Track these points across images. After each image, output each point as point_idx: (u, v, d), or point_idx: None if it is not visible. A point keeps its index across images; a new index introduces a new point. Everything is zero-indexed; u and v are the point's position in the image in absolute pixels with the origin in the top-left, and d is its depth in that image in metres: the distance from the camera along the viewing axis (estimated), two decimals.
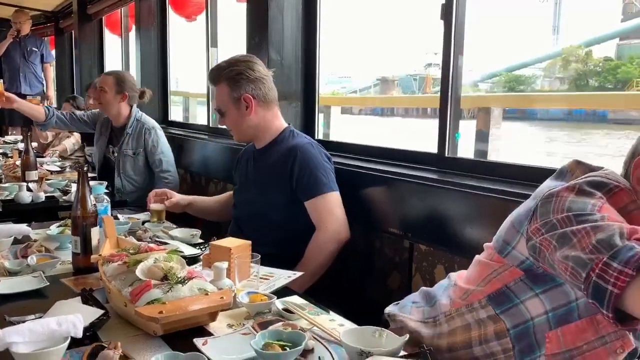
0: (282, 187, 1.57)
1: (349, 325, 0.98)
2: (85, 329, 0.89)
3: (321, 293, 1.34)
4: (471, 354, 0.95)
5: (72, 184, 2.24)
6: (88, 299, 1.07)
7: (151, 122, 2.54)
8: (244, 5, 2.33)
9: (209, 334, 0.95)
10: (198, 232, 1.59)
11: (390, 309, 1.13)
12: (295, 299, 1.10)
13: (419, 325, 1.04)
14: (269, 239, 1.50)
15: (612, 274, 0.63)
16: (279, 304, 1.05)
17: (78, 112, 2.89)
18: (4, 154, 3.38)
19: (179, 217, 1.89)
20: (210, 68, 2.73)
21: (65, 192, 2.21)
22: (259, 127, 1.65)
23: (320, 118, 2.27)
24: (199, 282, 1.00)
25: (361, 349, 0.83)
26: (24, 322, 0.89)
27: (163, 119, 3.51)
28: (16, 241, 1.46)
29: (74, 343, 0.86)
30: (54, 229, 1.56)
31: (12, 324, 0.93)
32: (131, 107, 2.53)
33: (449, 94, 1.63)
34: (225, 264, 1.09)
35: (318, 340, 0.92)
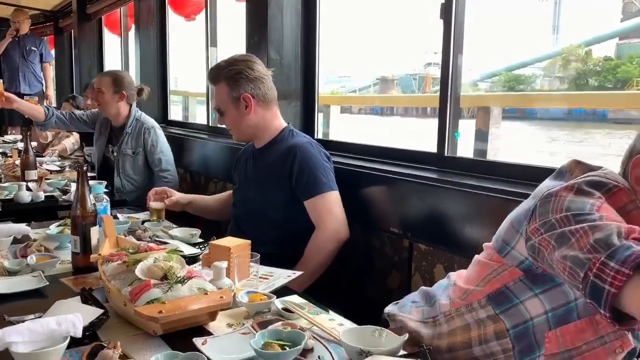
0: (281, 186, 1.57)
1: (348, 324, 0.98)
2: (85, 329, 0.89)
3: (320, 292, 1.34)
4: (471, 354, 0.96)
5: (72, 184, 2.24)
6: (87, 298, 1.07)
7: (150, 121, 2.54)
8: (243, 5, 2.33)
9: (209, 334, 0.95)
10: (198, 231, 1.59)
11: (389, 308, 1.13)
12: (295, 299, 1.10)
13: (418, 326, 1.04)
14: (268, 238, 1.50)
15: (609, 273, 0.63)
16: (278, 303, 1.05)
17: (77, 112, 2.89)
18: (4, 154, 3.38)
19: (179, 217, 1.89)
20: (209, 67, 2.73)
21: (65, 192, 2.21)
22: (259, 127, 1.65)
23: (319, 117, 2.27)
24: (198, 281, 1.01)
25: (361, 348, 0.83)
26: (23, 321, 0.89)
27: (163, 118, 3.51)
28: (16, 241, 1.46)
29: (74, 343, 0.86)
30: (53, 228, 1.56)
31: (11, 323, 0.93)
32: (130, 106, 2.53)
33: (449, 93, 1.63)
34: (224, 264, 1.09)
35: (317, 340, 0.92)
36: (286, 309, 1.03)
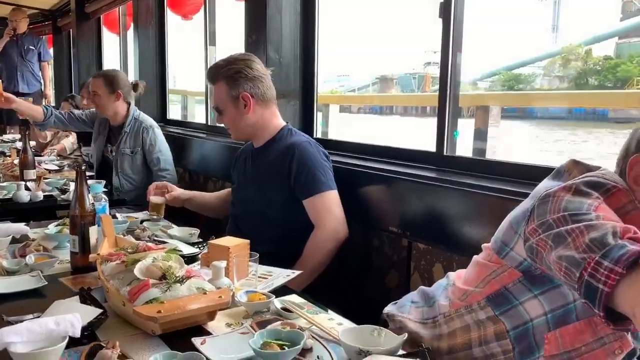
0: (280, 185, 1.57)
1: (347, 324, 0.98)
2: (84, 329, 0.89)
3: (319, 292, 1.34)
4: (471, 355, 0.95)
5: (71, 183, 2.24)
6: (86, 298, 1.07)
7: (149, 120, 2.54)
8: (242, 4, 2.33)
9: (208, 333, 0.95)
10: (197, 231, 1.59)
11: (389, 308, 1.13)
12: (294, 298, 1.10)
13: (418, 326, 1.04)
14: (267, 237, 1.50)
15: (603, 272, 0.62)
16: (277, 303, 1.05)
17: (76, 112, 2.88)
18: (2, 153, 3.37)
19: (178, 216, 1.89)
20: (208, 66, 2.73)
21: (64, 191, 2.21)
22: (257, 126, 1.65)
23: (318, 116, 2.27)
24: (197, 281, 1.00)
25: (360, 347, 0.83)
26: (22, 321, 0.89)
27: (161, 117, 3.51)
28: (14, 240, 1.46)
29: (72, 342, 0.86)
30: (52, 228, 1.56)
31: (10, 323, 0.93)
32: (129, 104, 2.52)
33: (448, 92, 1.63)
34: (223, 263, 1.09)
35: (317, 339, 0.92)
36: (285, 309, 1.03)
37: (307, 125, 2.21)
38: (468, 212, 1.38)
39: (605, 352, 0.86)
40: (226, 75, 1.59)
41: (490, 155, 3.14)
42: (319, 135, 2.27)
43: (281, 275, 1.22)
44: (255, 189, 1.67)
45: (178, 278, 0.98)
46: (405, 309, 1.10)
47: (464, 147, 2.03)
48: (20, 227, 1.55)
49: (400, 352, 0.86)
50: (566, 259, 0.69)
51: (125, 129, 2.47)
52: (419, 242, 1.54)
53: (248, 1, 2.27)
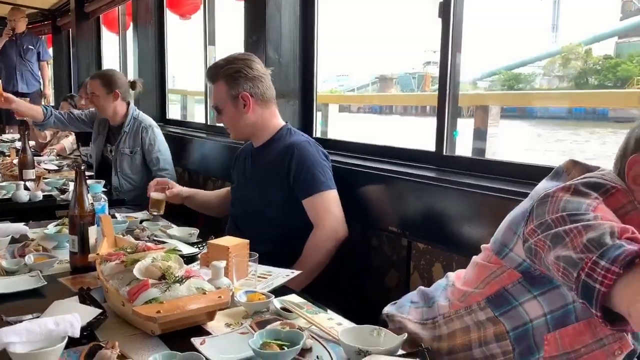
0: (279, 184, 1.57)
1: (347, 324, 0.98)
2: (83, 329, 0.89)
3: (319, 291, 1.34)
4: (471, 356, 0.95)
5: (70, 183, 2.24)
6: (85, 298, 1.07)
7: (148, 120, 2.53)
8: (241, 4, 2.32)
9: (207, 333, 0.95)
10: (196, 231, 1.59)
11: (388, 309, 1.13)
12: (293, 298, 1.10)
13: (417, 327, 1.04)
14: (266, 236, 1.50)
15: (600, 272, 0.62)
16: (277, 302, 1.05)
17: (76, 112, 2.88)
18: (2, 153, 3.37)
19: (178, 216, 1.89)
20: (207, 66, 2.73)
21: (63, 191, 2.20)
22: (257, 126, 1.64)
23: (318, 116, 2.27)
24: (196, 281, 1.00)
25: (359, 347, 0.83)
26: (21, 322, 0.89)
27: (161, 117, 3.50)
28: (13, 240, 1.46)
29: (72, 343, 0.86)
30: (51, 228, 1.56)
31: (9, 323, 0.93)
32: (128, 104, 2.52)
33: (447, 92, 1.63)
34: (223, 263, 1.09)
35: (316, 339, 0.92)
36: (285, 309, 1.03)
37: (306, 124, 2.21)
38: (467, 211, 1.38)
39: (605, 353, 0.86)
40: (226, 74, 1.59)
41: (489, 155, 3.14)
42: (318, 135, 2.27)
43: (280, 275, 1.22)
44: (254, 188, 1.67)
45: (177, 278, 0.98)
46: (405, 310, 1.10)
47: (464, 147, 2.03)
48: (20, 227, 1.55)
49: (400, 352, 0.86)
50: (564, 259, 0.69)
51: (125, 129, 2.47)
52: (418, 242, 1.54)
53: (247, 1, 2.27)
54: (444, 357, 0.98)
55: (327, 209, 1.55)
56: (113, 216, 1.69)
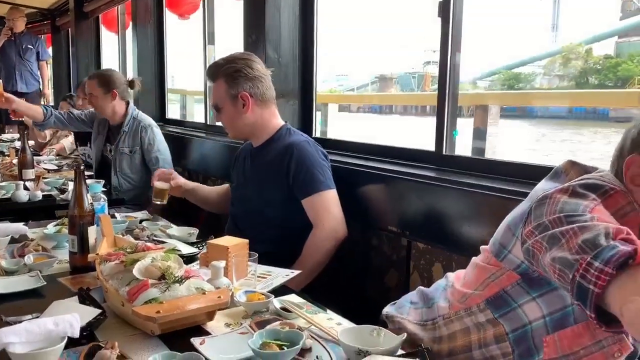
0: (278, 184, 1.57)
1: (346, 324, 0.98)
2: (82, 329, 0.88)
3: (318, 291, 1.34)
4: (471, 358, 0.95)
5: (69, 183, 2.24)
6: (85, 298, 1.07)
7: (148, 120, 2.53)
8: (241, 3, 2.32)
9: (207, 334, 0.95)
10: (195, 230, 1.59)
11: (387, 309, 1.13)
12: (293, 298, 1.10)
13: (417, 328, 1.04)
14: (266, 236, 1.50)
15: (594, 273, 0.62)
16: (276, 302, 1.05)
17: (76, 112, 2.88)
18: (1, 153, 3.37)
19: (177, 215, 1.89)
20: (207, 65, 2.72)
21: (63, 191, 2.20)
22: (256, 126, 1.64)
23: (317, 116, 2.26)
24: (196, 281, 1.00)
25: (359, 347, 0.83)
26: (20, 322, 0.89)
27: (160, 116, 3.50)
28: (13, 240, 1.46)
29: (71, 343, 0.85)
30: (51, 227, 1.56)
31: (8, 324, 0.93)
32: (127, 103, 2.52)
33: (447, 91, 1.63)
34: (222, 263, 1.09)
35: (316, 339, 0.92)
36: (284, 309, 1.03)
37: (306, 124, 2.21)
38: (467, 211, 1.38)
39: (604, 355, 0.86)
40: (226, 73, 1.59)
41: (489, 154, 3.14)
42: (318, 135, 2.27)
43: (280, 275, 1.22)
44: (254, 188, 1.67)
45: (177, 278, 0.98)
46: (404, 310, 1.10)
47: (463, 147, 2.03)
48: (19, 227, 1.55)
49: (400, 352, 0.86)
50: (559, 261, 0.69)
51: (124, 129, 2.47)
52: (418, 242, 1.54)
53: (247, 0, 2.26)
54: (444, 358, 0.98)
55: (327, 208, 1.55)
56: (112, 216, 1.69)
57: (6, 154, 3.19)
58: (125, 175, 2.47)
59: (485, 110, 3.55)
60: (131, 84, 2.53)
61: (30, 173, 2.37)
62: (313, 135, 2.13)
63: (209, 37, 3.11)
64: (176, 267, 1.02)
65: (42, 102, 5.07)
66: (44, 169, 2.79)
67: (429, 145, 1.69)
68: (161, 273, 1.00)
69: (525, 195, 0.96)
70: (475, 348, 0.95)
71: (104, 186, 2.16)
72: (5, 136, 4.39)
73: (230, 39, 2.87)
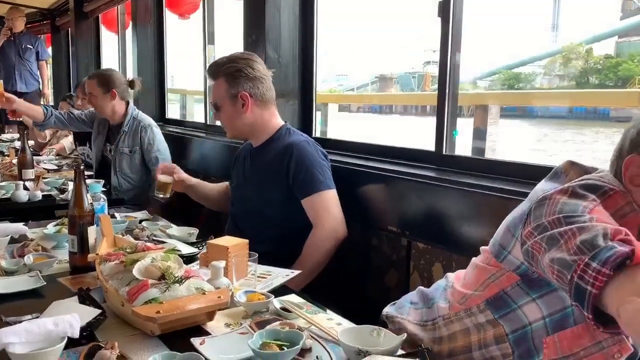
0: (278, 184, 1.57)
1: (346, 324, 0.98)
2: (82, 329, 0.88)
3: (318, 291, 1.34)
4: (471, 359, 0.95)
5: (69, 183, 2.23)
6: (85, 298, 1.07)
7: (147, 119, 2.53)
8: (241, 3, 2.32)
9: (207, 334, 0.95)
10: (195, 230, 1.59)
11: (387, 310, 1.13)
12: (293, 298, 1.10)
13: (417, 328, 1.04)
14: (266, 236, 1.50)
15: (591, 274, 0.62)
16: (276, 302, 1.05)
17: (76, 112, 2.88)
18: (1, 153, 3.37)
19: (177, 215, 1.88)
20: (207, 65, 2.72)
21: (62, 191, 2.20)
22: (255, 126, 1.64)
23: (317, 116, 2.26)
24: (196, 281, 1.00)
25: (359, 348, 0.83)
26: (20, 322, 0.89)
27: (160, 116, 3.50)
28: (13, 240, 1.45)
29: (71, 343, 0.85)
30: (50, 227, 1.55)
31: (8, 324, 0.93)
32: (127, 103, 2.52)
33: (447, 91, 1.63)
34: (222, 263, 1.09)
35: (316, 340, 0.92)
36: (284, 309, 1.03)
37: (306, 124, 2.21)
38: (467, 211, 1.38)
39: (604, 357, 0.85)
40: (227, 72, 1.59)
41: (489, 154, 3.14)
42: (317, 135, 2.27)
43: (280, 275, 1.22)
44: (253, 188, 1.67)
45: (177, 278, 0.98)
46: (404, 310, 1.10)
47: (463, 147, 2.03)
48: (19, 227, 1.55)
49: (400, 352, 0.85)
50: (558, 262, 0.69)
51: (124, 128, 2.47)
52: (418, 242, 1.54)
53: (247, 0, 2.26)
54: (445, 359, 0.98)
55: (327, 208, 1.55)
56: (112, 216, 1.69)
57: (6, 154, 3.19)
58: (125, 175, 2.47)
59: (485, 110, 3.55)
60: (131, 83, 2.53)
61: (30, 173, 2.37)
62: (313, 135, 2.13)
63: (209, 37, 3.11)
64: (176, 267, 1.02)
65: (42, 102, 5.07)
66: (44, 169, 2.79)
67: (429, 145, 1.69)
68: (161, 273, 1.00)
69: (525, 195, 0.96)
70: (476, 349, 0.95)
71: (104, 186, 2.16)
72: (5, 136, 4.39)
73: (230, 39, 2.87)
